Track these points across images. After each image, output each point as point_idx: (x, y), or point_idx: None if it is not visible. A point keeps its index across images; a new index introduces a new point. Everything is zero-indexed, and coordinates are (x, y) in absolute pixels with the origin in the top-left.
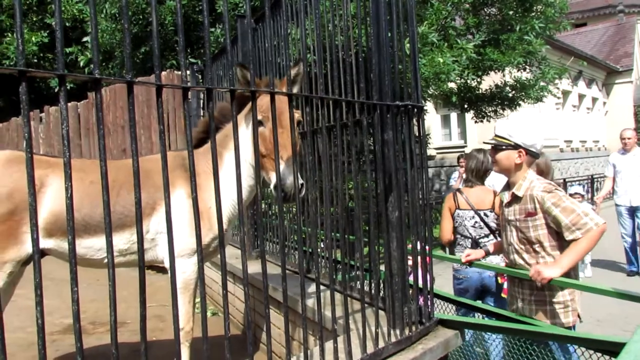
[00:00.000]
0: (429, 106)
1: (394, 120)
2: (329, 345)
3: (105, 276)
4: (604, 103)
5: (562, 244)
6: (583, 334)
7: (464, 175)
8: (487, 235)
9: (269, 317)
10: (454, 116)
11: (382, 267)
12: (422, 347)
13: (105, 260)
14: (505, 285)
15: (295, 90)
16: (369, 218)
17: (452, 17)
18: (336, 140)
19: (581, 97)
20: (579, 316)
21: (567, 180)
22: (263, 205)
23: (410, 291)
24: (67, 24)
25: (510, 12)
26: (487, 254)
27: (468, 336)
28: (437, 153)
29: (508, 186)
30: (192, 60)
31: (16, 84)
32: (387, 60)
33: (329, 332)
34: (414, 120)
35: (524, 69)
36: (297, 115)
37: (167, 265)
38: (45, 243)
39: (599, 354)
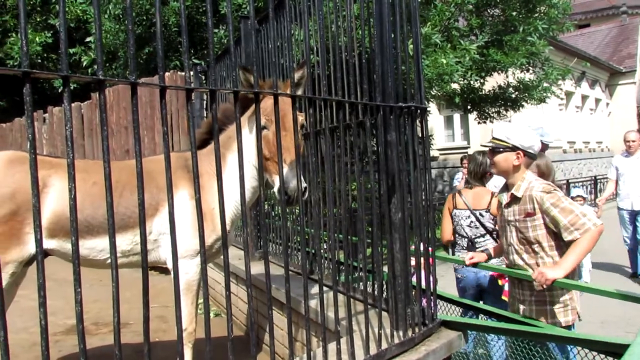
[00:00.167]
0: (432, 107)
1: (397, 121)
2: (332, 346)
3: (108, 277)
4: (607, 104)
5: (561, 244)
6: (586, 336)
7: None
8: (483, 235)
9: (272, 318)
10: (457, 117)
11: (385, 269)
12: (425, 348)
13: (108, 261)
14: (505, 287)
15: (298, 92)
16: (372, 219)
17: (456, 18)
18: (339, 142)
19: (584, 98)
20: (577, 315)
21: (570, 181)
22: (266, 206)
23: (413, 292)
24: (70, 25)
25: (514, 13)
26: (489, 257)
27: (470, 338)
28: (440, 154)
29: (507, 187)
30: (196, 61)
31: (20, 84)
32: (391, 61)
33: (332, 334)
34: (417, 121)
35: (527, 70)
36: (301, 118)
37: (169, 266)
38: (48, 243)
39: (602, 356)
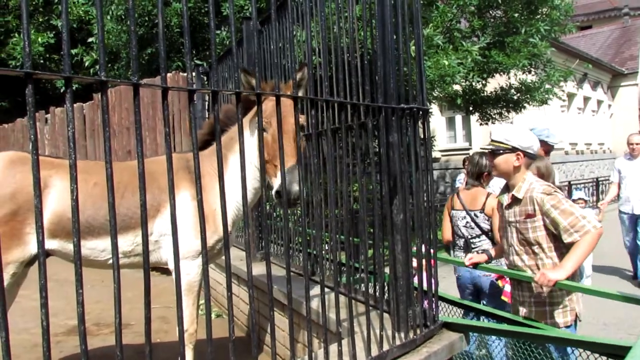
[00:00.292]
0: (434, 108)
1: (399, 122)
2: (333, 348)
3: (110, 277)
4: (609, 106)
5: (560, 245)
6: (589, 338)
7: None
8: (478, 236)
9: (273, 319)
10: (458, 118)
11: (387, 270)
12: (426, 350)
13: (109, 261)
14: (506, 288)
15: (299, 94)
16: (374, 220)
17: (458, 19)
18: (341, 143)
19: (586, 99)
20: (577, 316)
21: (572, 183)
22: (268, 208)
23: (415, 294)
24: (72, 25)
25: (516, 15)
26: (490, 258)
27: (472, 339)
28: (442, 155)
29: (507, 188)
30: (198, 62)
31: (22, 85)
32: (393, 63)
33: (334, 335)
34: (419, 122)
35: (529, 72)
36: (301, 119)
37: (171, 267)
38: (49, 244)
39: (604, 358)
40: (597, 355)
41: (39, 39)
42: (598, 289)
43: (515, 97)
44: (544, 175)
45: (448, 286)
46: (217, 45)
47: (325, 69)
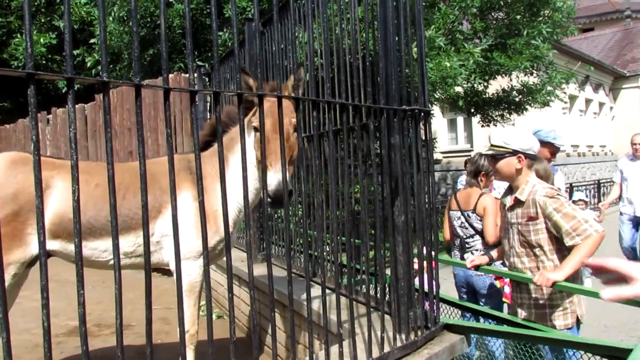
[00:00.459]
0: (436, 110)
1: (400, 124)
2: (334, 349)
3: (111, 278)
4: (611, 108)
5: (562, 248)
6: (590, 340)
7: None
8: (472, 236)
9: (274, 321)
10: (460, 120)
11: (388, 271)
12: (427, 351)
13: (111, 262)
14: (506, 290)
15: (298, 94)
16: (375, 222)
17: (460, 21)
18: (343, 144)
19: (588, 101)
20: (578, 318)
21: (573, 185)
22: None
23: (416, 295)
24: (75, 26)
25: (518, 17)
26: (492, 260)
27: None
28: (444, 157)
29: (511, 190)
30: (200, 63)
31: (24, 85)
32: (395, 64)
33: (335, 336)
34: (421, 124)
35: (531, 74)
36: (294, 120)
37: (172, 267)
38: (50, 245)
39: None
40: (598, 357)
41: (41, 40)
42: (598, 291)
43: (517, 99)
44: (543, 177)
45: (449, 288)
46: (219, 47)
47: (327, 70)
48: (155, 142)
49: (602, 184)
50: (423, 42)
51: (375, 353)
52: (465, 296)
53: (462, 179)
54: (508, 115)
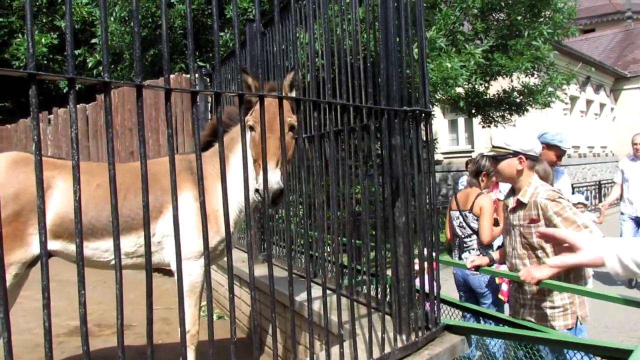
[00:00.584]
0: (437, 111)
1: (401, 125)
2: (335, 350)
3: (111, 278)
4: (612, 109)
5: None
6: (590, 341)
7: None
8: (469, 235)
9: (275, 321)
10: (461, 121)
11: (389, 272)
12: (428, 352)
13: (112, 262)
14: (503, 287)
15: (293, 94)
16: (376, 223)
17: (461, 22)
18: (344, 145)
19: (589, 102)
20: (578, 319)
21: (574, 185)
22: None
23: (417, 296)
24: (76, 26)
25: (519, 18)
26: (492, 261)
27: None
28: (445, 158)
29: (513, 191)
30: (201, 63)
31: (25, 85)
32: (395, 65)
33: (335, 337)
34: (422, 125)
35: (532, 75)
36: (291, 120)
37: (173, 268)
38: (51, 245)
39: None
40: (598, 358)
41: (43, 40)
42: (598, 292)
43: (517, 100)
44: (542, 178)
45: (450, 288)
46: (220, 47)
47: (328, 71)
48: (156, 142)
49: (603, 185)
50: (424, 43)
51: (376, 354)
52: (464, 295)
53: (464, 179)
54: (509, 116)
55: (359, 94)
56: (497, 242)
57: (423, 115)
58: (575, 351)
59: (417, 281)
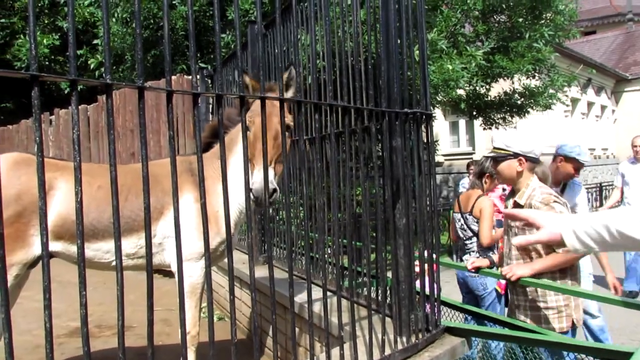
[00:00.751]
0: (438, 113)
1: (402, 127)
2: (335, 351)
3: (112, 279)
4: (613, 111)
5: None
6: (590, 343)
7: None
8: (470, 238)
9: (276, 323)
10: (462, 123)
11: (389, 274)
12: (428, 354)
13: (113, 263)
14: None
15: (290, 93)
16: (377, 224)
17: (462, 24)
18: (345, 147)
19: (590, 104)
20: (573, 322)
21: None
22: (270, 211)
23: (417, 298)
24: (78, 27)
25: (520, 20)
26: (492, 264)
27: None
28: (445, 159)
29: (513, 193)
30: (202, 65)
31: (26, 86)
32: (396, 67)
33: (335, 339)
34: (423, 127)
35: (533, 77)
36: (287, 120)
37: (174, 269)
38: (53, 246)
39: None
40: None
41: (44, 41)
42: (599, 294)
43: (519, 102)
44: (541, 180)
45: (450, 290)
46: (221, 49)
47: (330, 72)
48: (157, 143)
49: (604, 187)
50: (425, 44)
51: (376, 355)
52: (465, 296)
53: (464, 181)
54: (510, 118)
55: (360, 96)
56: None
57: (424, 117)
58: (576, 354)
59: (418, 283)
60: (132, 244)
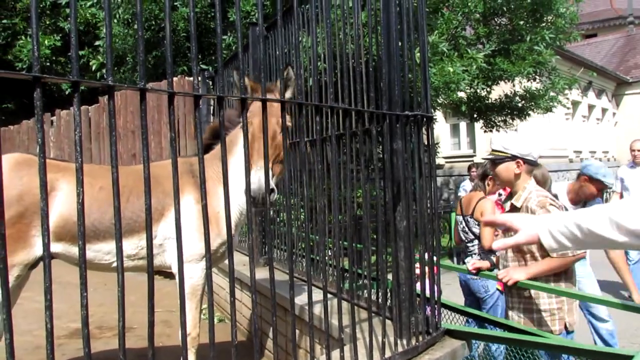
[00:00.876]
0: (439, 115)
1: (403, 129)
2: (335, 354)
3: (113, 281)
4: (614, 114)
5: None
6: (591, 346)
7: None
8: (472, 240)
9: (276, 325)
10: (463, 125)
11: (390, 277)
12: (428, 357)
13: (113, 265)
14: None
15: (288, 94)
16: (377, 227)
17: (463, 26)
18: (345, 149)
19: (591, 107)
20: (566, 325)
21: None
22: (271, 212)
23: (418, 301)
24: (80, 28)
25: (521, 23)
26: (493, 265)
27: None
28: (446, 162)
29: (511, 195)
30: (203, 66)
31: (27, 87)
32: (397, 70)
33: (336, 341)
34: (423, 129)
35: (534, 79)
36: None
37: (174, 270)
38: (53, 247)
39: None
40: None
41: (46, 42)
42: (599, 297)
43: (519, 105)
44: (540, 182)
45: (451, 293)
46: (222, 51)
47: (331, 75)
48: (158, 145)
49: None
50: (426, 47)
51: (377, 358)
52: (467, 299)
53: (466, 184)
54: (511, 121)
55: (361, 98)
56: None
57: (425, 119)
58: (576, 357)
59: (418, 285)
60: (133, 245)
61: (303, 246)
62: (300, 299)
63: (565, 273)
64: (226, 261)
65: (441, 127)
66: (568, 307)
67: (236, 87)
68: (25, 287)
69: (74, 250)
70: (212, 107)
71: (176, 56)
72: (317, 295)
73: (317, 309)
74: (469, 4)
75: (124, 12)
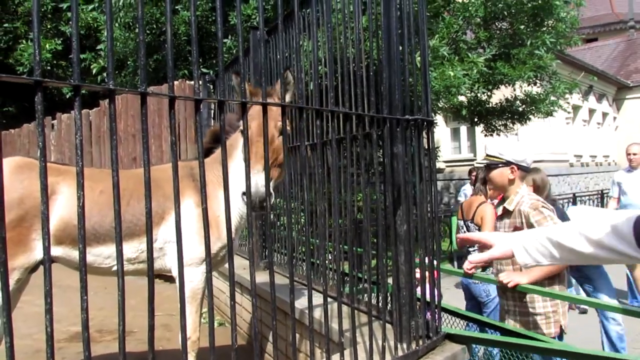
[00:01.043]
0: (439, 119)
1: (403, 133)
2: (335, 357)
3: (113, 284)
4: (615, 118)
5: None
6: (592, 351)
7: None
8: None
9: (276, 329)
10: (463, 129)
11: (390, 281)
12: None
13: (114, 268)
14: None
15: (287, 98)
16: (378, 231)
17: (463, 31)
18: (346, 153)
19: (591, 111)
20: (562, 328)
21: (576, 195)
22: (271, 216)
23: (418, 305)
24: (81, 32)
25: (522, 27)
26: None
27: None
28: (447, 166)
29: (504, 200)
30: (204, 70)
31: (28, 90)
32: (398, 74)
33: (336, 345)
34: (424, 133)
35: (535, 83)
36: (280, 123)
37: (175, 274)
38: (53, 251)
39: None
40: None
41: (47, 46)
42: (599, 301)
43: (520, 109)
44: (539, 187)
45: (451, 297)
46: (223, 54)
47: (331, 79)
48: (159, 148)
49: (605, 194)
50: (427, 51)
51: None
52: (468, 303)
53: (466, 188)
54: (511, 125)
55: (362, 102)
56: None
57: (425, 123)
58: None
59: (418, 290)
60: (133, 248)
61: (303, 250)
62: (301, 303)
63: (558, 276)
64: (226, 265)
65: (442, 131)
66: (563, 310)
67: (236, 91)
68: (26, 291)
69: (74, 254)
70: (212, 111)
71: (177, 60)
72: (317, 299)
73: (317, 313)
74: (470, 8)
75: (125, 16)
